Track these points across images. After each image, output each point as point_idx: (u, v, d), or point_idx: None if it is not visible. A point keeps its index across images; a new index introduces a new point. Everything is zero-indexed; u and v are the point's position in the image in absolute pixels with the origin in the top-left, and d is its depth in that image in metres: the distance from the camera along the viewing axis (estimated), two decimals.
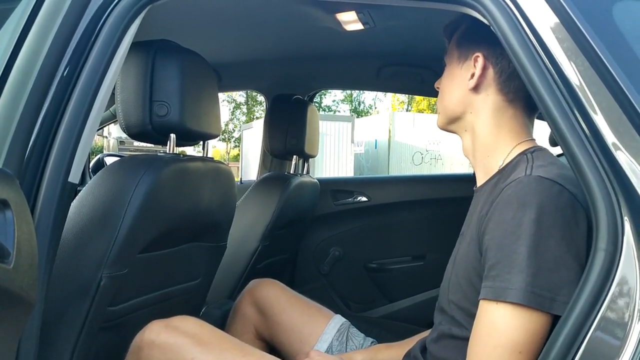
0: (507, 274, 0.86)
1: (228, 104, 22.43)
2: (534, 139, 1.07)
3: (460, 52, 1.09)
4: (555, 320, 0.84)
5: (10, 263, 0.66)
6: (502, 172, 1.02)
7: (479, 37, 1.04)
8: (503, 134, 1.05)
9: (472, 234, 0.98)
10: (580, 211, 0.87)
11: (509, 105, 1.05)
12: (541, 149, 1.02)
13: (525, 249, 0.85)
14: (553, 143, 1.94)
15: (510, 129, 1.05)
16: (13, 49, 0.86)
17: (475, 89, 1.05)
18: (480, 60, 1.04)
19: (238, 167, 14.18)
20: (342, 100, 24.65)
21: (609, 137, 0.80)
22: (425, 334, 1.24)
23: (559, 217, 0.86)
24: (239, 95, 22.60)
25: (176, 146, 1.27)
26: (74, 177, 0.94)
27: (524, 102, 1.05)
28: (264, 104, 2.57)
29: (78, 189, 1.14)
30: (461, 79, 1.08)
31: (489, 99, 1.05)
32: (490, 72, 1.04)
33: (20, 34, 0.87)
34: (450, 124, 1.13)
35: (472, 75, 1.05)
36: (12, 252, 0.68)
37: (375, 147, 13.49)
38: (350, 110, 24.40)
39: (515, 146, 1.04)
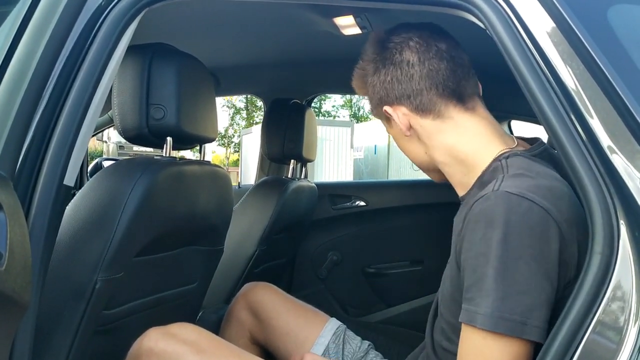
0: (478, 297, 0.83)
1: (228, 109, 22.44)
2: (512, 138, 1.02)
3: (379, 116, 1.08)
4: (537, 343, 0.82)
5: (2, 265, 0.66)
6: (480, 180, 0.97)
7: (372, 94, 1.06)
8: (470, 154, 1.00)
9: (453, 250, 0.96)
10: (553, 227, 0.82)
11: (453, 120, 1.01)
12: (517, 154, 0.95)
13: (493, 271, 0.81)
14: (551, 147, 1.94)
15: (475, 145, 1.00)
16: (7, 51, 0.86)
17: (410, 131, 1.04)
18: (393, 114, 1.03)
19: (237, 172, 14.18)
20: (342, 106, 24.67)
21: (605, 141, 0.79)
22: None
23: (527, 236, 0.81)
24: (239, 101, 22.62)
25: (174, 150, 1.27)
26: (69, 179, 0.94)
27: (457, 92, 1.01)
28: (264, 109, 2.57)
29: (74, 192, 1.14)
30: (400, 136, 1.07)
31: (427, 130, 1.02)
32: (405, 110, 1.02)
33: (15, 36, 0.87)
34: (431, 175, 1.11)
35: (401, 128, 1.04)
36: (5, 254, 0.67)
37: (375, 153, 13.49)
38: (350, 115, 24.42)
39: (494, 155, 0.98)
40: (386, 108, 1.04)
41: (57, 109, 0.92)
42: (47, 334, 1.05)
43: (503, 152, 0.98)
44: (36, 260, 0.84)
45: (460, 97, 1.01)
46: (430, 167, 1.08)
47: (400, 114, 1.03)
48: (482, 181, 0.97)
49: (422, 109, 1.01)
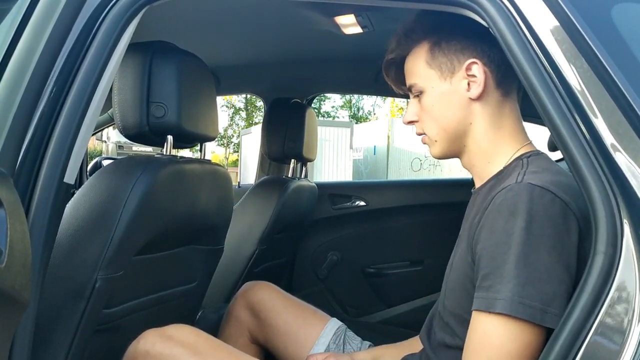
0: (498, 284, 0.84)
1: (227, 109, 22.45)
2: (532, 143, 1.05)
3: (442, 68, 1.02)
4: (549, 330, 0.83)
5: (2, 262, 0.66)
6: (498, 176, 1.00)
7: (462, 42, 1.01)
8: (504, 137, 1.03)
9: (465, 240, 0.97)
10: (572, 220, 0.85)
11: (505, 100, 1.03)
12: (538, 154, 1.00)
13: (514, 258, 0.83)
14: (552, 148, 1.94)
15: (510, 129, 1.03)
16: (7, 48, 0.85)
17: (479, 96, 1.01)
18: (479, 66, 1.00)
19: (237, 173, 14.17)
20: (341, 106, 24.71)
21: (609, 140, 0.79)
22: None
23: (549, 226, 0.84)
24: (238, 101, 22.63)
25: (174, 149, 1.27)
26: (70, 177, 0.94)
27: (515, 90, 1.04)
28: (263, 110, 2.57)
29: (74, 191, 1.14)
30: (455, 94, 1.02)
31: (489, 100, 1.02)
32: (487, 72, 1.01)
33: (15, 33, 0.86)
34: (451, 148, 1.06)
35: (469, 84, 1.01)
36: (4, 251, 0.67)
37: (374, 153, 13.49)
38: (349, 116, 24.43)
39: (516, 151, 1.02)
40: (474, 59, 1.00)
41: (58, 106, 0.92)
42: (46, 333, 1.04)
43: (526, 152, 1.01)
44: (36, 258, 0.84)
45: (518, 87, 1.04)
46: (454, 140, 1.04)
47: (483, 70, 1.00)
48: (502, 175, 0.99)
49: (501, 79, 1.01)
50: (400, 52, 1.09)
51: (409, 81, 1.08)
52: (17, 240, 0.69)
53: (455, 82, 1.02)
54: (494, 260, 0.86)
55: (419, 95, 1.06)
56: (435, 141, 1.06)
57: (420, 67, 1.05)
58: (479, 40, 0.99)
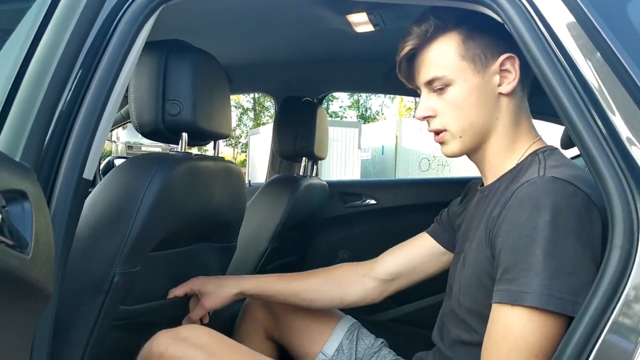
0: (524, 278, 0.84)
1: (235, 109, 22.50)
2: (542, 139, 1.05)
3: (475, 60, 0.99)
4: (569, 322, 0.83)
5: (28, 253, 0.67)
6: (513, 172, 1.00)
7: (495, 34, 0.98)
8: (522, 133, 1.03)
9: (482, 235, 0.97)
10: (595, 212, 0.86)
11: (524, 96, 1.03)
12: (553, 149, 1.01)
13: (541, 251, 0.83)
14: (565, 145, 1.94)
15: (526, 125, 1.04)
16: (30, 46, 0.87)
17: (509, 92, 1.00)
18: (515, 61, 0.98)
19: (245, 172, 14.20)
20: (349, 106, 24.69)
21: (625, 134, 0.79)
22: None
23: (574, 219, 0.84)
24: (246, 101, 22.69)
25: (188, 146, 1.28)
26: (88, 173, 0.95)
27: (528, 87, 1.03)
28: (271, 110, 2.58)
29: (90, 189, 1.15)
30: (487, 88, 1.00)
31: (515, 96, 1.02)
32: (518, 68, 1.00)
33: (37, 31, 0.88)
34: (473, 144, 1.03)
35: (501, 79, 0.99)
36: (30, 242, 0.68)
37: (382, 153, 13.47)
38: (357, 116, 24.42)
39: (529, 146, 1.02)
40: (511, 54, 0.98)
41: (77, 103, 0.93)
42: (66, 326, 1.06)
43: (539, 147, 1.01)
44: (57, 251, 0.85)
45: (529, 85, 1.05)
46: (478, 135, 1.02)
47: (518, 66, 0.99)
48: (516, 171, 0.99)
49: (527, 79, 1.01)
50: (422, 42, 1.02)
51: (432, 73, 1.01)
52: (41, 233, 0.70)
53: (487, 76, 1.00)
54: (517, 253, 0.86)
55: (441, 88, 1.01)
56: (460, 137, 1.02)
57: (450, 59, 1.00)
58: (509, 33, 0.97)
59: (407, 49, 1.03)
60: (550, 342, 0.84)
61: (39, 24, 0.89)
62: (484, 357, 0.91)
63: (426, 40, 1.02)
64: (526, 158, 1.00)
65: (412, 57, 1.05)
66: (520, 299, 0.84)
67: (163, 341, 1.13)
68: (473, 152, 1.06)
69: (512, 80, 1.00)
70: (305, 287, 1.34)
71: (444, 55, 1.00)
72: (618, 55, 0.81)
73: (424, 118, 1.05)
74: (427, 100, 1.04)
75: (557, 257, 0.83)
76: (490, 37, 0.99)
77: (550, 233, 0.83)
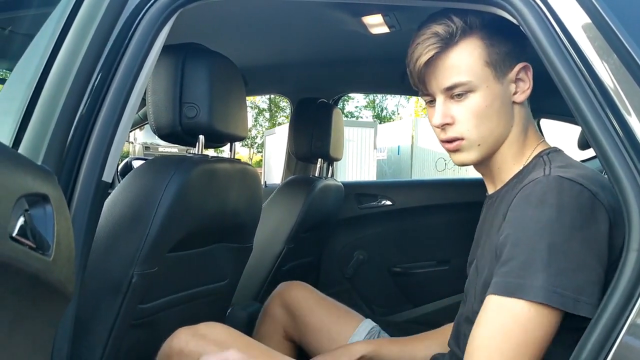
0: (527, 271, 0.84)
1: (251, 109, 22.57)
2: (545, 140, 1.04)
3: (496, 68, 0.97)
4: (568, 317, 0.83)
5: (50, 255, 0.69)
6: (518, 176, 1.00)
7: (513, 42, 0.98)
8: (530, 138, 1.03)
9: (491, 240, 0.96)
10: (602, 211, 0.85)
11: (529, 103, 1.03)
12: (557, 150, 1.00)
13: (545, 246, 0.83)
14: (582, 147, 1.92)
15: (532, 130, 1.04)
16: (52, 51, 0.89)
17: (517, 105, 1.00)
18: (529, 71, 0.99)
19: (260, 173, 14.24)
20: (365, 107, 24.63)
21: None
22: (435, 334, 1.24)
23: (580, 217, 0.84)
24: (262, 102, 22.76)
25: (205, 148, 1.30)
26: (107, 176, 0.97)
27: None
28: (287, 110, 2.59)
29: (109, 191, 1.17)
30: (505, 96, 0.98)
31: (526, 103, 1.03)
32: (530, 76, 1.00)
33: (59, 36, 0.90)
34: (489, 151, 1.01)
35: (517, 87, 0.99)
36: (52, 245, 0.70)
37: (398, 153, 13.43)
38: (373, 116, 24.36)
39: (533, 149, 1.02)
40: (527, 63, 0.98)
41: (97, 107, 0.95)
42: (85, 326, 1.08)
43: (543, 149, 1.00)
44: (77, 253, 0.87)
45: None
46: (495, 143, 1.00)
47: (531, 75, 1.00)
48: (522, 175, 0.99)
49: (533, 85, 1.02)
50: (444, 45, 0.96)
51: (456, 79, 0.96)
52: (62, 235, 0.72)
53: (505, 84, 0.98)
54: (517, 246, 0.86)
55: (460, 94, 0.97)
56: (479, 145, 0.99)
57: (475, 64, 0.96)
58: (524, 41, 0.95)
59: (431, 52, 0.96)
60: (547, 335, 0.84)
61: (60, 29, 0.91)
62: (471, 342, 0.89)
63: (451, 43, 0.97)
64: (531, 161, 1.00)
65: (428, 61, 0.99)
66: (520, 292, 0.84)
67: (183, 338, 1.14)
68: (485, 160, 1.03)
69: (526, 89, 1.00)
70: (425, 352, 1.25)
71: (467, 61, 0.96)
72: (635, 56, 0.80)
73: (442, 126, 1.00)
74: (445, 106, 0.99)
75: (561, 254, 0.83)
76: (508, 44, 0.98)
77: (556, 230, 0.83)
